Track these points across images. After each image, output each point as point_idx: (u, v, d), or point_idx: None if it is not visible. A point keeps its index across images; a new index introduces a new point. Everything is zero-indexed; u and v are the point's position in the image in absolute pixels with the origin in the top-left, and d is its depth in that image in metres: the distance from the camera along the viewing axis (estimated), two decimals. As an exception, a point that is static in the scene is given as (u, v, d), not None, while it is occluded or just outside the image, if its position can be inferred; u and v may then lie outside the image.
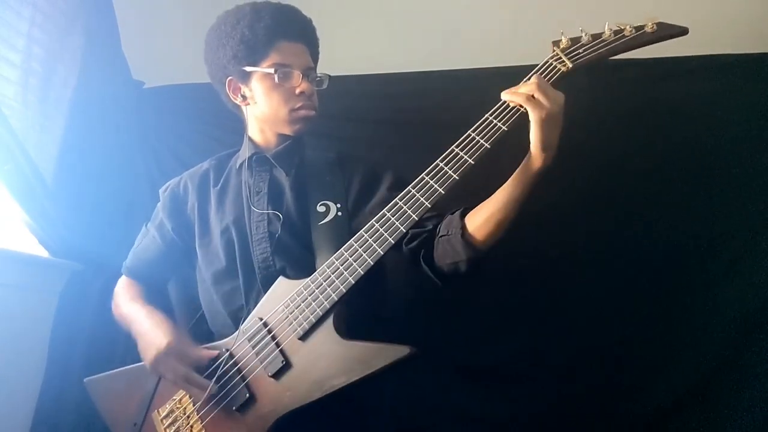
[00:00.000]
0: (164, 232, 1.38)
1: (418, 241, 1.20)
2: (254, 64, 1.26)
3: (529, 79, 1.07)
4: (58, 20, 1.66)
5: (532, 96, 1.00)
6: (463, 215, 1.14)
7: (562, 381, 1.53)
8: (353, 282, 1.05)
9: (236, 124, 1.46)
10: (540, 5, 1.78)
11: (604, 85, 1.56)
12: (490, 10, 1.83)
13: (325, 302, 1.06)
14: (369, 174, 1.32)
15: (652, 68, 1.56)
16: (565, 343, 1.54)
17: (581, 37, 1.14)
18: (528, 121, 1.02)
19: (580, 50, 1.12)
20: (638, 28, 1.13)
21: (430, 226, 1.19)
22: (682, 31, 1.12)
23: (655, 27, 1.12)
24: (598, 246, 1.56)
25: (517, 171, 1.07)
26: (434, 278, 1.20)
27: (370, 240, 1.07)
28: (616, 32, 1.13)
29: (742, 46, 1.55)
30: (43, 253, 1.62)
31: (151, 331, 1.19)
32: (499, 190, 1.10)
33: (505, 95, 1.05)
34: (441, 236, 1.16)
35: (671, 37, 1.13)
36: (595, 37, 1.14)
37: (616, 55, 1.13)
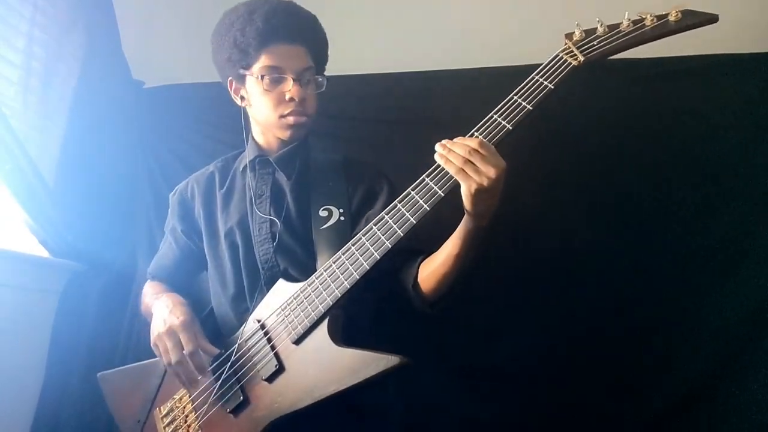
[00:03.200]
0: (177, 236, 1.39)
1: (384, 275, 1.19)
2: (246, 68, 1.24)
3: (480, 128, 1.03)
4: (59, 20, 1.66)
5: (462, 168, 0.96)
6: (422, 260, 1.16)
7: (563, 382, 1.52)
8: (349, 286, 1.04)
9: (236, 123, 1.45)
10: (545, 4, 1.77)
11: (603, 86, 1.54)
12: (494, 9, 1.82)
13: (320, 306, 1.05)
14: (374, 181, 1.31)
15: (650, 69, 1.54)
16: (566, 343, 1.53)
17: (596, 28, 1.06)
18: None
19: (594, 42, 1.04)
20: (660, 17, 1.04)
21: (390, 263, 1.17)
22: (711, 19, 1.02)
23: (679, 15, 1.02)
24: (598, 246, 1.55)
25: (458, 228, 1.06)
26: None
27: (367, 243, 1.05)
28: (635, 22, 1.04)
29: (741, 46, 1.54)
30: (43, 253, 1.63)
31: (167, 307, 1.17)
32: (444, 244, 1.10)
33: (439, 158, 1.00)
34: (401, 278, 1.18)
35: (698, 25, 1.03)
36: (612, 28, 1.06)
37: (634, 47, 1.05)
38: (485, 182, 0.95)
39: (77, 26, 1.69)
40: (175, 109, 1.88)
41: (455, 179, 0.99)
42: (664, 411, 1.46)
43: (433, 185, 1.03)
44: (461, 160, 0.97)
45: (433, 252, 1.17)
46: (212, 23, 1.34)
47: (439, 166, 1.03)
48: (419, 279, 1.15)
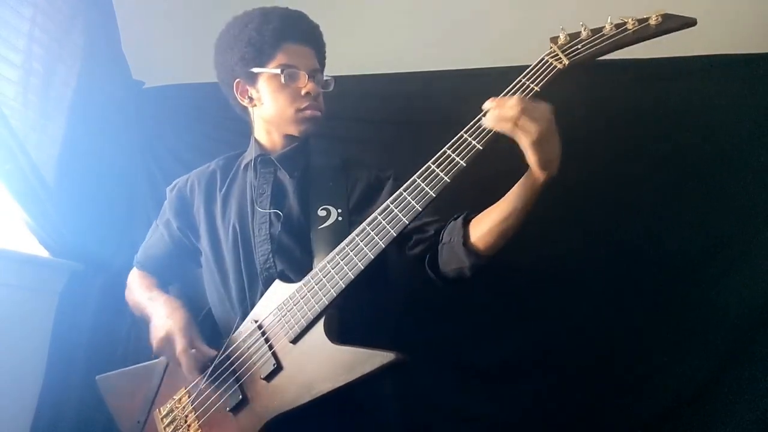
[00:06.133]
0: (171, 230, 1.40)
1: (422, 247, 1.21)
2: (261, 65, 1.28)
3: (507, 93, 1.03)
4: (59, 20, 1.66)
5: (517, 123, 0.95)
6: (466, 221, 1.14)
7: (564, 381, 1.53)
8: (344, 285, 1.05)
9: (236, 124, 1.47)
10: (545, 4, 1.77)
11: (603, 86, 1.54)
12: (495, 10, 1.82)
13: (316, 306, 1.06)
14: (372, 180, 1.32)
15: (650, 69, 1.55)
16: (567, 343, 1.54)
17: (580, 32, 1.09)
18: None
19: (578, 46, 1.07)
20: (641, 21, 1.07)
21: (432, 232, 1.20)
22: (689, 23, 1.06)
23: (659, 19, 1.05)
24: (599, 246, 1.56)
25: (520, 182, 1.05)
26: (439, 282, 1.20)
27: (361, 243, 1.06)
28: (617, 26, 1.08)
29: (741, 46, 1.54)
30: (43, 253, 1.62)
31: (165, 314, 1.19)
32: (502, 199, 1.08)
33: (489, 123, 1.00)
34: (444, 243, 1.17)
35: (677, 29, 1.06)
36: (595, 32, 1.09)
37: (616, 50, 1.08)
38: (545, 125, 0.95)
39: (77, 26, 1.69)
40: (175, 109, 1.89)
41: (446, 181, 1.01)
42: (665, 410, 1.46)
43: (424, 186, 1.03)
44: (515, 114, 0.95)
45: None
46: (212, 23, 1.35)
47: (430, 167, 1.04)
48: (473, 238, 1.12)
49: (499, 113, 0.98)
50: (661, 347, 1.49)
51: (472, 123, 1.04)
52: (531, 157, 0.97)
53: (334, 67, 1.41)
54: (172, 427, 1.16)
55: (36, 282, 1.62)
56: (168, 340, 1.14)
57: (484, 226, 1.10)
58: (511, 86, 1.06)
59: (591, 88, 1.45)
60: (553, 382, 1.53)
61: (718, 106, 1.52)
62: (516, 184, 1.06)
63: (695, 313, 1.48)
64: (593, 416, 1.50)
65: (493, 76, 1.65)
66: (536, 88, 1.04)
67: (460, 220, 1.15)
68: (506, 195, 1.08)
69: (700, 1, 1.48)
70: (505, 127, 0.97)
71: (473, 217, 1.14)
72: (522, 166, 1.02)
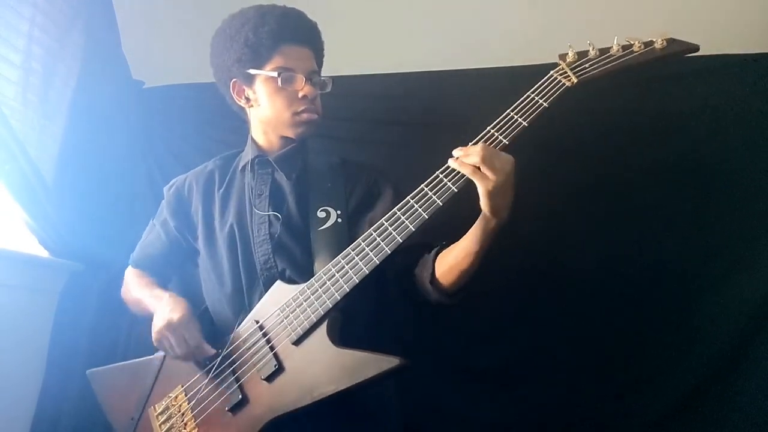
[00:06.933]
0: (168, 230, 1.40)
1: (398, 273, 1.23)
2: (258, 67, 1.27)
3: (478, 142, 1.06)
4: (59, 20, 1.66)
5: (478, 168, 1.00)
6: (437, 254, 1.17)
7: (563, 383, 1.52)
8: (348, 290, 1.06)
9: (236, 123, 1.46)
10: (545, 5, 1.77)
11: (601, 88, 1.53)
12: (494, 10, 1.82)
13: (320, 308, 1.07)
14: (371, 184, 1.32)
15: (649, 70, 1.53)
16: (566, 345, 1.53)
17: (588, 51, 1.13)
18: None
19: (587, 65, 1.12)
20: (647, 44, 1.11)
21: (410, 259, 1.21)
22: (692, 48, 1.11)
23: (664, 43, 1.11)
24: (598, 247, 1.55)
25: (474, 226, 1.08)
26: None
27: (367, 249, 1.07)
28: (624, 47, 1.12)
29: (742, 46, 1.53)
30: (43, 253, 1.62)
31: (168, 306, 1.19)
32: (461, 240, 1.12)
33: (453, 163, 1.04)
34: (416, 275, 1.20)
35: (681, 54, 1.12)
36: (603, 51, 1.13)
37: (623, 71, 1.11)
38: (502, 177, 0.98)
39: (77, 26, 1.68)
40: (175, 109, 1.88)
41: (454, 191, 1.04)
42: (664, 411, 1.46)
43: (432, 195, 1.06)
44: (476, 161, 1.00)
45: (438, 243, 1.19)
46: (213, 23, 1.34)
47: (438, 176, 1.07)
48: (437, 275, 1.15)
49: (462, 157, 1.02)
50: (658, 351, 1.48)
51: (480, 136, 1.07)
52: (484, 203, 1.01)
53: (333, 67, 1.40)
54: (168, 425, 1.16)
55: (36, 282, 1.62)
56: (170, 333, 1.14)
57: (445, 265, 1.14)
58: (520, 101, 1.09)
59: (588, 90, 1.45)
60: (552, 384, 1.53)
61: (718, 107, 1.52)
62: (472, 227, 1.09)
63: (694, 314, 1.47)
64: (591, 419, 1.50)
65: (494, 76, 1.65)
66: (545, 104, 1.08)
67: (432, 254, 1.18)
68: (465, 236, 1.11)
69: (700, 2, 1.48)
70: (465, 171, 1.01)
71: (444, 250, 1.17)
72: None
